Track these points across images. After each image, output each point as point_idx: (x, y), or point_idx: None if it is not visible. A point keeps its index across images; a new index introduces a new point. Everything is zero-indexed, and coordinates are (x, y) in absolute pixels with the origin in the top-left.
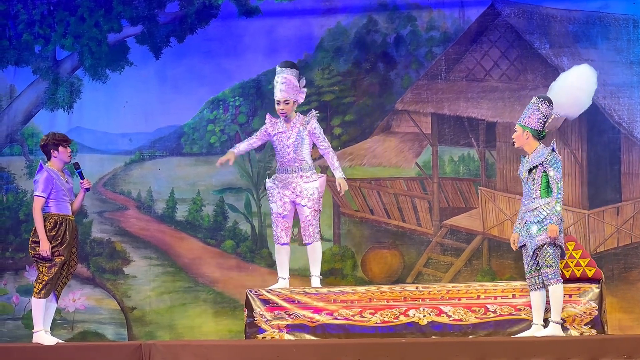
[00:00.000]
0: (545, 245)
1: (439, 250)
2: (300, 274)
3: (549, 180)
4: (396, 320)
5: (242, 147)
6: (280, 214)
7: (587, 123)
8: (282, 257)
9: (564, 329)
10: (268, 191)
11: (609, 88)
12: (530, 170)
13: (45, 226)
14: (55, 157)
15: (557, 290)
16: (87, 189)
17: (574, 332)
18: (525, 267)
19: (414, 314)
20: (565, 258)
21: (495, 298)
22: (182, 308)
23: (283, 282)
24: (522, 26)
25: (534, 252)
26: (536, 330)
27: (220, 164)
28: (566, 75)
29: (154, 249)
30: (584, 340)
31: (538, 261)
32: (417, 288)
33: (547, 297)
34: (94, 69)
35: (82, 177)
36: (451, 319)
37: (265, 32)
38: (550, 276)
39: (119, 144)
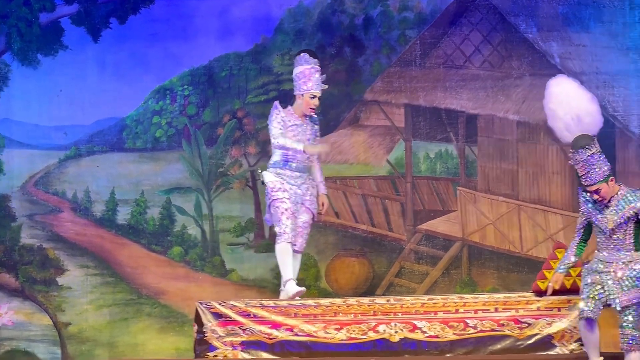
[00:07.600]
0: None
1: (413, 258)
2: (257, 285)
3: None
4: (364, 337)
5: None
6: (292, 213)
7: None
8: (290, 257)
9: (551, 346)
10: (272, 185)
11: (603, 77)
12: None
13: None
14: None
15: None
16: None
17: (562, 350)
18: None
19: (385, 330)
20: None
21: (476, 312)
22: (124, 323)
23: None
24: (506, 7)
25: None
26: None
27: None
28: (549, 108)
29: (92, 257)
30: (573, 359)
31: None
32: (388, 301)
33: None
34: (24, 53)
35: None
36: (426, 335)
37: (217, 13)
38: (632, 341)
39: (53, 138)
